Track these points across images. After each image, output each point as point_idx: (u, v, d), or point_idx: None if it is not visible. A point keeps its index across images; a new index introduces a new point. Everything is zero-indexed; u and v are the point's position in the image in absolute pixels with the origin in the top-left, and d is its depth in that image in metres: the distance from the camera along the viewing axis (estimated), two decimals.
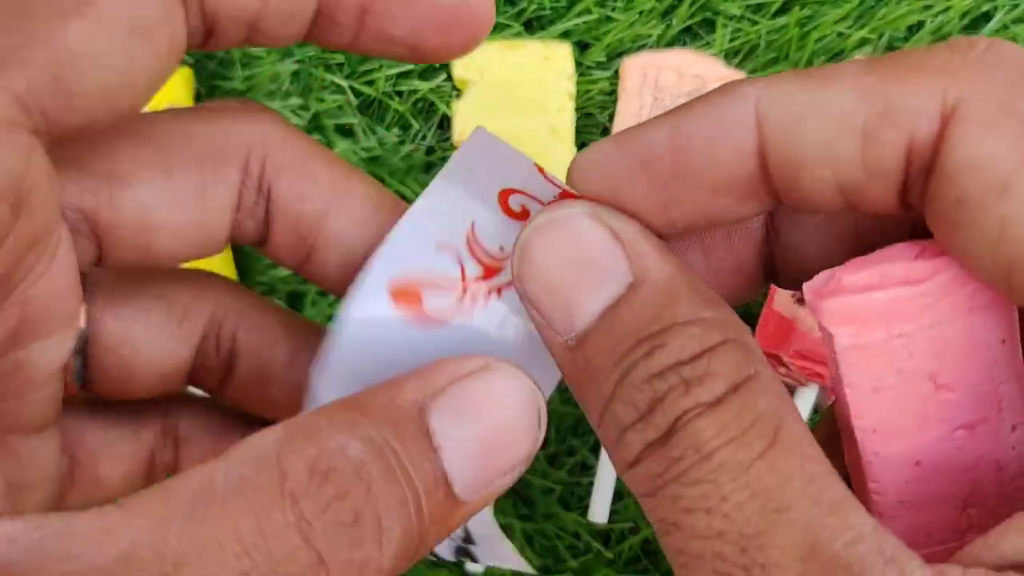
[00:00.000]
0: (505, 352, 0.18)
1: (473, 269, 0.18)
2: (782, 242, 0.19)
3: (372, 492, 0.15)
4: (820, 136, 0.16)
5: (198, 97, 0.42)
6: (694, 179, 0.17)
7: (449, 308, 0.18)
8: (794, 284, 0.19)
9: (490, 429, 0.16)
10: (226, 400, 0.21)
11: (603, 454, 0.41)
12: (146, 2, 0.17)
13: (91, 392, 0.20)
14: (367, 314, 0.18)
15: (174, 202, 0.19)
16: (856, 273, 0.17)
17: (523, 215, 0.19)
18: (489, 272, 0.18)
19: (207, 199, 0.19)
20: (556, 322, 0.17)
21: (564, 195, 0.19)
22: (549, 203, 0.18)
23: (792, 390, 0.42)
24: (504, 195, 0.19)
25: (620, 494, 0.42)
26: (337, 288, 0.20)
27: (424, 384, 0.16)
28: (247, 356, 0.21)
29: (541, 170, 0.19)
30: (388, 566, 0.15)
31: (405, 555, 0.15)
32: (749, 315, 0.44)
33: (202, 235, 0.19)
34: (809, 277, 0.18)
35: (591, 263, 0.17)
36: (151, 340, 0.20)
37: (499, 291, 0.18)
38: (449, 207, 0.18)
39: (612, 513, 0.42)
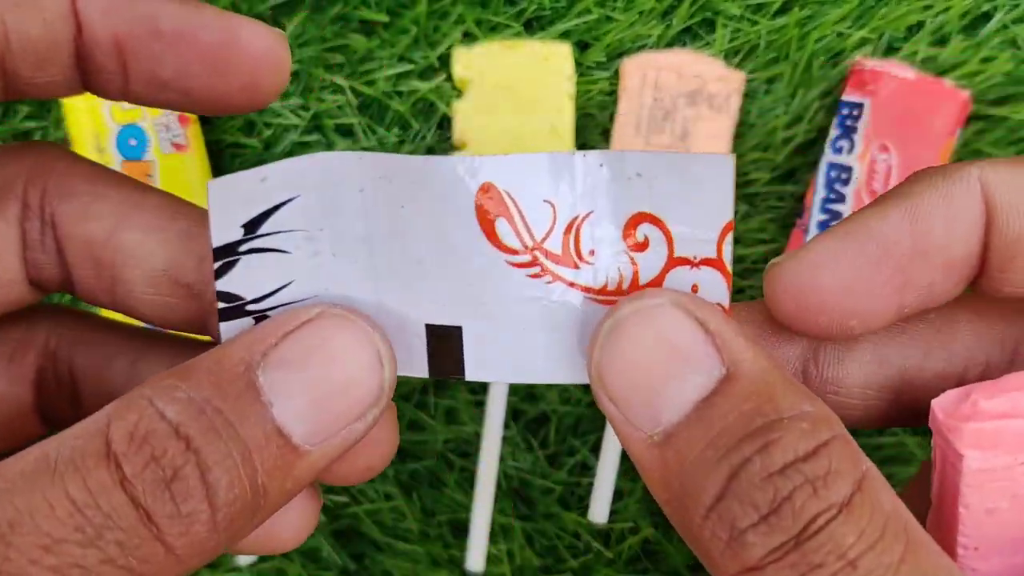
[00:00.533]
0: (524, 324, 0.18)
1: (554, 245, 0.17)
2: (822, 375, 0.19)
3: (192, 449, 0.15)
4: None
5: None
6: (932, 260, 0.17)
7: (513, 248, 0.18)
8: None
9: (321, 376, 0.16)
10: (103, 303, 0.21)
11: (603, 454, 0.41)
12: None
13: None
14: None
15: None
16: (992, 399, 0.17)
17: (639, 246, 0.17)
18: (562, 260, 0.18)
19: None
20: (638, 416, 0.16)
21: (713, 263, 0.18)
22: (646, 285, 0.18)
23: None
24: (641, 217, 0.17)
25: (620, 494, 0.42)
26: (151, 315, 0.19)
27: (254, 340, 0.17)
28: (88, 379, 0.21)
29: (724, 234, 0.17)
30: (222, 519, 0.16)
31: (242, 508, 0.16)
32: None
33: None
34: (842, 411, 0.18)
35: (679, 355, 0.16)
36: None
37: (555, 280, 0.18)
38: (584, 182, 0.17)
39: (612, 513, 0.42)
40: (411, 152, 0.43)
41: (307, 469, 0.17)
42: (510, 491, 0.42)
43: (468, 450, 0.43)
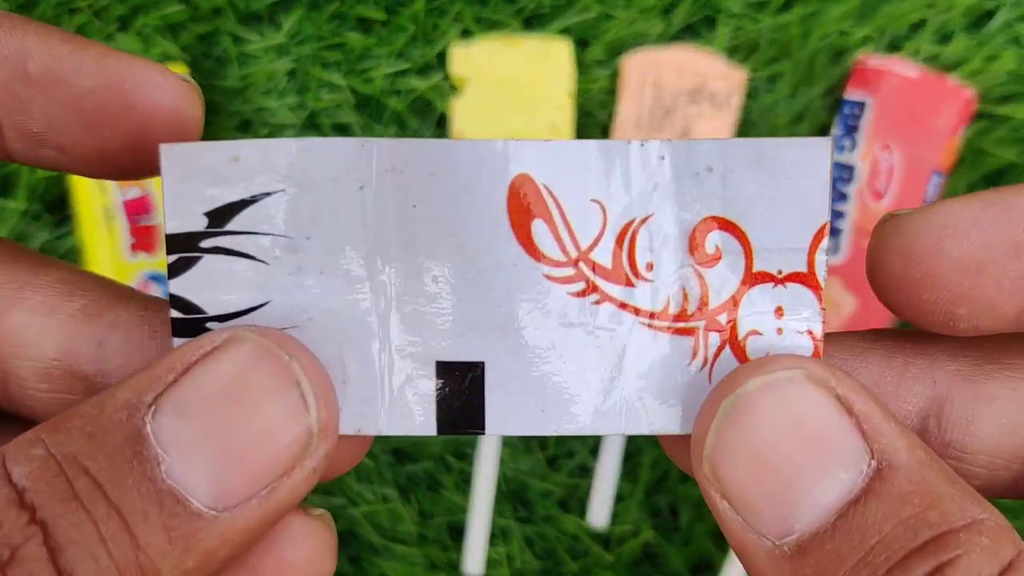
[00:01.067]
0: (563, 357, 0.15)
1: (603, 256, 0.14)
2: (945, 438, 0.16)
3: (37, 522, 0.12)
4: None
5: None
6: None
7: (552, 259, 0.14)
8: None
9: (225, 418, 0.13)
10: None
11: (602, 456, 0.41)
12: None
13: None
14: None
15: None
16: None
17: (709, 259, 0.14)
18: (613, 275, 0.15)
19: None
20: (764, 521, 0.13)
21: (810, 284, 0.15)
22: (760, 361, 0.14)
23: None
24: (713, 222, 0.14)
25: (620, 497, 0.42)
26: (45, 415, 0.16)
27: (145, 379, 0.13)
28: None
29: (818, 241, 0.14)
30: None
31: None
32: None
33: None
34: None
35: (819, 445, 0.13)
36: None
37: (603, 300, 0.15)
38: (636, 179, 0.14)
39: (612, 516, 0.42)
40: None
41: (219, 540, 0.13)
42: (509, 493, 0.42)
43: (466, 452, 0.42)
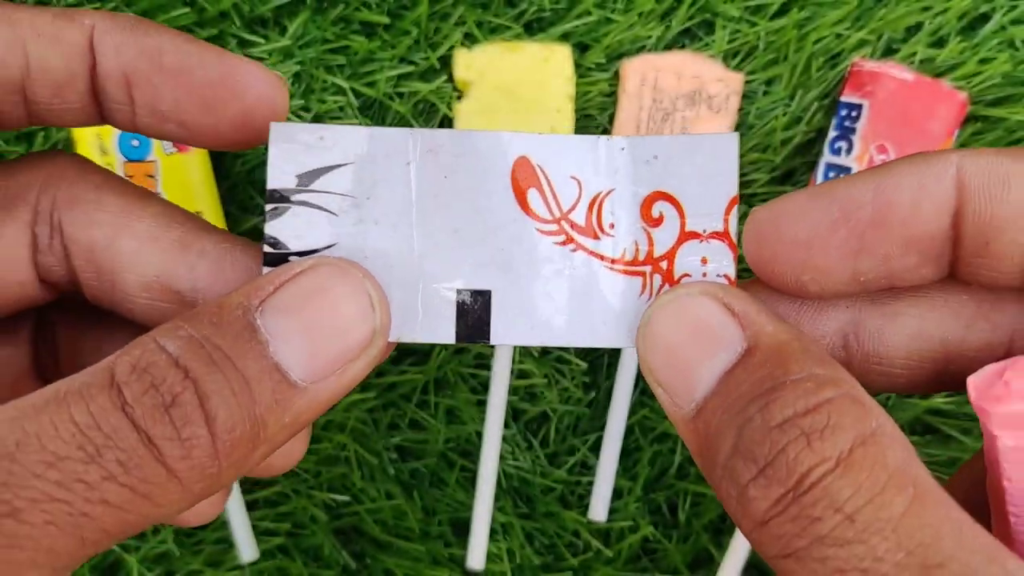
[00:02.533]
0: (548, 288, 0.19)
1: (578, 217, 0.19)
2: (864, 349, 0.20)
3: (191, 378, 0.16)
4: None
5: None
6: (891, 232, 0.18)
7: (542, 217, 0.20)
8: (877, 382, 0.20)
9: (314, 318, 0.18)
10: (105, 305, 0.22)
11: (603, 452, 0.42)
12: None
13: None
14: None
15: None
16: (1021, 379, 0.18)
17: (655, 222, 0.19)
18: (586, 231, 0.20)
19: None
20: (678, 394, 0.18)
21: (720, 236, 0.19)
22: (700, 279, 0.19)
23: None
24: (658, 196, 0.20)
25: (620, 493, 0.42)
26: (145, 318, 0.21)
27: (253, 288, 0.18)
28: (75, 239, 0.21)
29: (730, 208, 0.19)
30: (222, 446, 0.16)
31: (242, 437, 0.17)
32: None
33: (1, 275, 0.20)
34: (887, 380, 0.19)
35: (707, 335, 0.18)
36: None
37: (578, 249, 0.20)
38: (603, 163, 0.19)
39: (611, 512, 0.42)
40: None
41: (306, 406, 0.17)
42: (510, 490, 0.43)
43: (469, 449, 0.43)
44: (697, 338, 0.18)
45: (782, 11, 0.45)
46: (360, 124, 0.43)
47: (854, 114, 0.42)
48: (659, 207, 0.19)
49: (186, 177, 0.40)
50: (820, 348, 0.18)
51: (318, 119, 0.43)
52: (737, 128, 0.44)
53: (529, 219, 0.19)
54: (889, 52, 0.45)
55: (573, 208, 0.19)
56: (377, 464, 0.43)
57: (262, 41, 0.43)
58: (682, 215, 0.19)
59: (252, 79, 0.19)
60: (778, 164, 0.44)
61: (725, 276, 0.19)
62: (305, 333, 0.17)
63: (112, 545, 0.17)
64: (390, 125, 0.43)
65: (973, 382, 0.18)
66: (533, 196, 0.19)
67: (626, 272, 0.19)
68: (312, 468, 0.42)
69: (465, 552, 0.42)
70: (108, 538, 0.16)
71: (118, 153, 0.40)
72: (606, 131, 0.44)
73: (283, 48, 0.43)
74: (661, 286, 0.19)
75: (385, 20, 0.43)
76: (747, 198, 0.44)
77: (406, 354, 0.43)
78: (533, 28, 0.44)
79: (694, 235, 0.19)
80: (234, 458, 0.17)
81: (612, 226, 0.19)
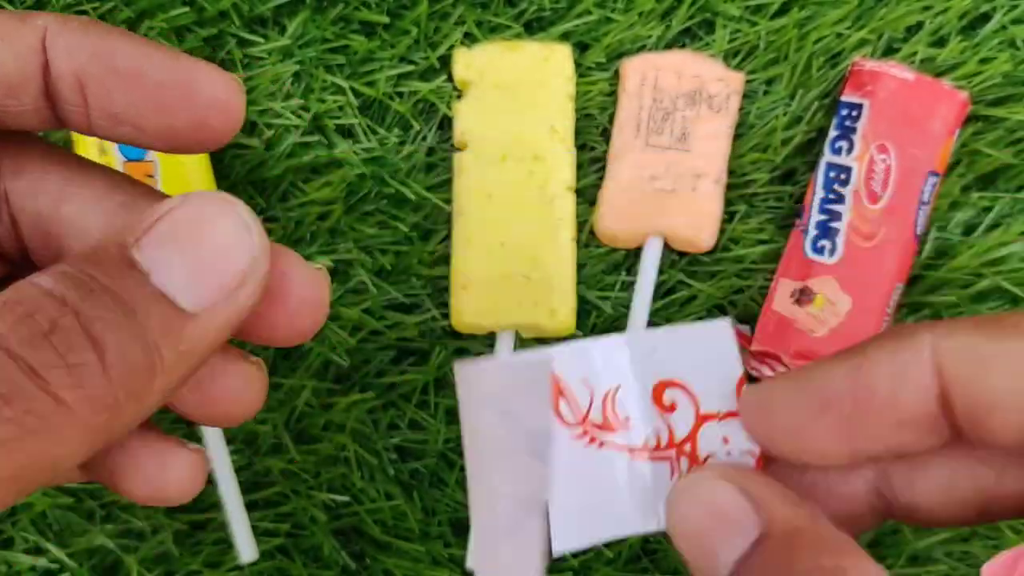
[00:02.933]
0: (584, 486, 0.21)
1: (596, 416, 0.21)
2: (899, 501, 0.21)
3: (69, 306, 0.16)
4: (1009, 383, 0.17)
5: None
6: (876, 418, 0.18)
7: (571, 423, 0.21)
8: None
9: (192, 246, 0.17)
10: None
11: None
12: None
13: None
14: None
15: None
16: None
17: (668, 408, 0.21)
18: (605, 426, 0.21)
19: None
20: (700, 571, 0.18)
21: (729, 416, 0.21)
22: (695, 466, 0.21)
23: None
24: (666, 384, 0.21)
25: None
26: None
27: (127, 227, 0.18)
28: (21, 209, 0.21)
29: (740, 387, 0.20)
30: (116, 374, 0.16)
31: (136, 365, 0.16)
32: (751, 316, 0.44)
33: None
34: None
35: (725, 519, 0.18)
36: None
37: (603, 445, 0.21)
38: (610, 362, 0.21)
39: None
40: (411, 152, 0.43)
41: (201, 333, 0.17)
42: None
43: None
44: (716, 522, 0.18)
45: (782, 10, 0.45)
46: (359, 123, 0.43)
47: (855, 113, 0.42)
48: (670, 394, 0.21)
49: (185, 177, 0.40)
50: (833, 534, 0.18)
51: (318, 118, 0.43)
52: (737, 127, 0.44)
53: (564, 428, 0.21)
54: (890, 51, 0.45)
55: (590, 409, 0.21)
56: (377, 464, 0.43)
57: (261, 40, 0.43)
58: (694, 399, 0.20)
59: (207, 82, 0.19)
60: (778, 164, 0.44)
61: (749, 453, 0.20)
62: (185, 260, 0.17)
63: (18, 497, 0.16)
64: (390, 125, 0.43)
65: (987, 570, 0.18)
66: (563, 406, 0.21)
67: (652, 459, 0.21)
68: (311, 468, 0.42)
69: (465, 552, 0.42)
70: (5, 486, 0.15)
71: (117, 152, 0.40)
72: (606, 130, 0.44)
73: (283, 47, 0.43)
74: (689, 468, 0.21)
75: (385, 19, 0.43)
76: (748, 198, 0.44)
77: (406, 354, 0.43)
78: (533, 27, 0.44)
79: (710, 416, 0.20)
80: (131, 388, 0.16)
81: (628, 419, 0.21)
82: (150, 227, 0.17)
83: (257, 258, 0.18)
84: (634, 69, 0.43)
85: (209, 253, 0.18)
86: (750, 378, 0.43)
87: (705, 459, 0.20)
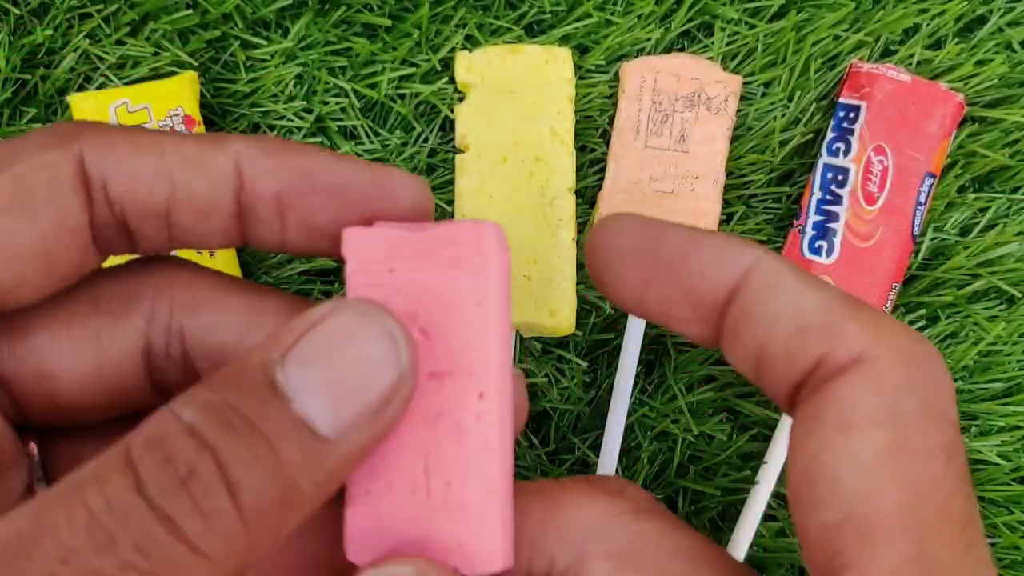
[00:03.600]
0: None
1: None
2: None
3: (209, 447, 0.15)
4: (778, 318, 0.18)
5: (203, 100, 0.42)
6: (682, 281, 0.19)
7: None
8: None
9: (336, 365, 0.17)
10: None
11: (603, 451, 0.42)
12: (33, 184, 0.18)
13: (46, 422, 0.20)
14: None
15: (71, 350, 0.19)
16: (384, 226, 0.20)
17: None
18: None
19: (105, 344, 0.20)
20: None
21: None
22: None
23: None
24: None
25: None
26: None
27: (271, 342, 0.17)
28: (200, 344, 0.20)
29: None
30: (250, 515, 0.15)
31: (271, 502, 0.16)
32: None
33: (108, 381, 0.20)
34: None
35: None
36: (71, 366, 0.20)
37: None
38: None
39: None
40: (413, 154, 0.43)
41: (339, 461, 0.17)
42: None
43: None
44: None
45: (780, 13, 0.45)
46: (362, 125, 0.43)
47: (852, 115, 0.42)
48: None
49: None
50: None
51: (320, 120, 0.43)
52: (736, 129, 0.44)
53: None
54: (887, 54, 0.45)
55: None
56: None
57: (264, 43, 0.43)
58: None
59: (404, 188, 0.20)
60: (776, 165, 0.44)
61: None
62: (328, 383, 0.17)
63: None
64: (392, 127, 0.43)
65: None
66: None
67: None
68: None
69: None
70: None
71: None
72: (606, 132, 0.44)
73: (285, 50, 0.43)
74: None
75: (387, 22, 0.43)
76: (746, 199, 0.44)
77: None
78: (534, 30, 0.44)
79: None
80: (265, 524, 0.16)
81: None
82: (296, 341, 0.17)
83: (404, 375, 0.17)
84: (634, 72, 0.43)
85: (354, 375, 0.17)
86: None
87: None
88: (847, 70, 0.44)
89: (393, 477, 0.20)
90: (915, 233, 0.42)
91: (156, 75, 0.42)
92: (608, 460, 0.42)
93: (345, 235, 0.19)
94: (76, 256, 0.19)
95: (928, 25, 0.45)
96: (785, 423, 0.41)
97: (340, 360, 0.17)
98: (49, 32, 0.42)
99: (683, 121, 0.43)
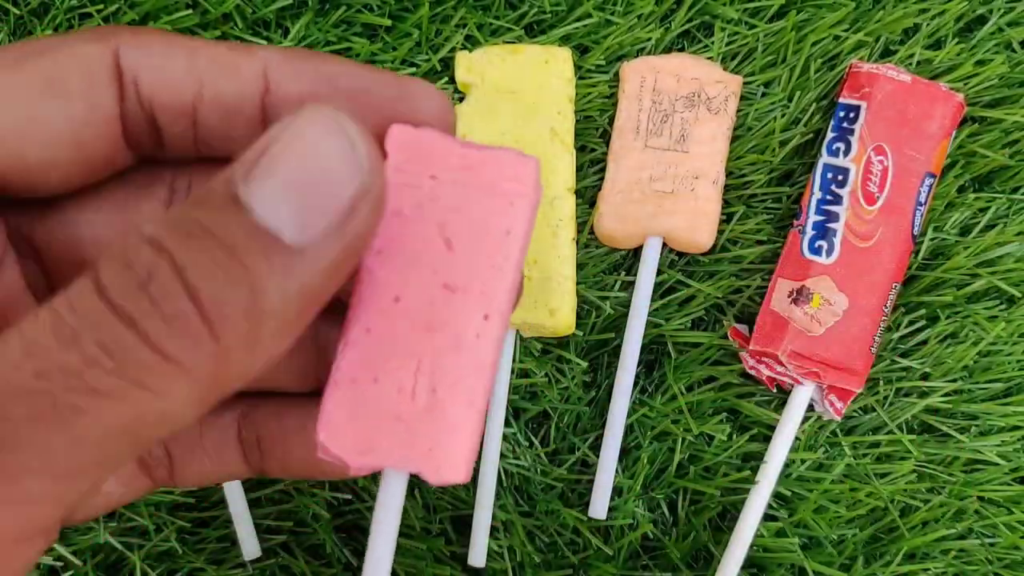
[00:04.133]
0: None
1: None
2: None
3: (166, 253, 0.15)
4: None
5: None
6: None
7: None
8: None
9: (295, 172, 0.16)
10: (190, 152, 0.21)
11: (603, 451, 0.42)
12: (69, 72, 0.19)
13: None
14: None
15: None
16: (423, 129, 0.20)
17: None
18: None
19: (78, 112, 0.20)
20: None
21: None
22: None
23: (788, 389, 0.43)
24: None
25: (619, 490, 0.43)
26: (228, 147, 0.20)
27: (238, 161, 0.17)
28: (156, 91, 0.20)
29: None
30: (215, 319, 0.15)
31: (236, 309, 0.16)
32: (749, 315, 0.44)
33: (80, 118, 0.19)
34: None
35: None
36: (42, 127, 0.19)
37: None
38: None
39: (611, 509, 0.42)
40: None
41: (310, 270, 0.16)
42: (511, 488, 0.43)
43: None
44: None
45: (780, 13, 0.45)
46: None
47: (852, 115, 0.42)
48: None
49: None
50: None
51: None
52: (736, 129, 0.44)
53: None
54: (887, 54, 0.45)
55: None
56: None
57: (264, 43, 0.43)
58: None
59: (426, 97, 0.20)
60: (777, 165, 0.44)
61: None
62: (290, 192, 0.16)
63: (133, 452, 0.16)
64: None
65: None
66: None
67: None
68: None
69: (466, 549, 0.42)
70: (113, 439, 0.15)
71: None
72: (606, 132, 0.44)
73: None
74: None
75: (387, 22, 0.43)
76: (746, 199, 0.44)
77: None
78: (534, 30, 0.45)
79: None
80: (236, 333, 0.16)
81: None
82: (255, 159, 0.16)
83: (367, 181, 0.17)
84: (634, 72, 0.43)
85: (311, 180, 0.16)
86: (748, 377, 0.43)
87: None
88: (847, 70, 0.44)
89: (382, 372, 0.21)
90: (915, 233, 0.42)
91: None
92: (608, 460, 0.42)
93: (392, 130, 0.20)
94: (106, 146, 0.19)
95: (928, 25, 0.45)
96: (785, 423, 0.41)
97: (300, 170, 0.16)
98: (49, 32, 0.42)
99: (683, 121, 0.43)
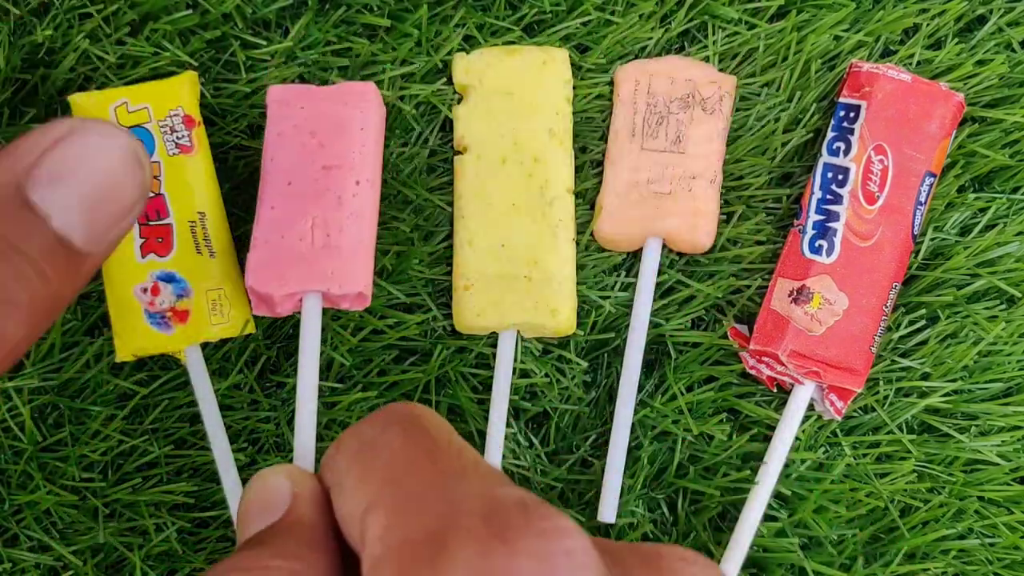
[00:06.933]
0: None
1: None
2: None
3: None
4: None
5: (203, 100, 0.42)
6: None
7: None
8: None
9: (90, 184, 0.18)
10: None
11: (610, 454, 0.42)
12: None
13: None
14: None
15: None
16: None
17: None
18: None
19: None
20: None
21: None
22: None
23: (788, 388, 0.43)
24: None
25: (620, 491, 0.43)
26: None
27: (15, 162, 0.18)
28: None
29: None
30: (24, 331, 0.17)
31: (41, 314, 0.17)
32: (749, 315, 0.44)
33: None
34: None
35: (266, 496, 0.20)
36: None
37: None
38: None
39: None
40: (413, 154, 0.44)
41: (91, 269, 0.18)
42: None
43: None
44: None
45: (780, 14, 0.45)
46: None
47: (852, 115, 0.42)
48: None
49: (189, 178, 0.40)
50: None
51: None
52: (736, 130, 0.44)
53: None
54: (887, 54, 0.45)
55: None
56: None
57: (264, 43, 0.43)
58: None
59: None
60: (776, 166, 0.44)
61: None
62: (84, 199, 0.18)
63: None
64: (391, 127, 0.43)
65: None
66: None
67: None
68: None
69: None
70: None
71: None
72: (605, 133, 0.44)
73: (285, 50, 0.43)
74: None
75: (386, 23, 0.43)
76: (747, 199, 0.44)
77: (407, 353, 0.43)
78: (533, 30, 0.45)
79: None
80: (40, 328, 0.17)
81: None
82: (36, 161, 0.18)
83: (144, 191, 0.19)
84: (627, 76, 0.43)
85: (103, 193, 0.18)
86: (748, 377, 0.43)
87: None
88: (847, 70, 0.44)
89: (287, 231, 0.33)
90: (915, 233, 0.42)
91: (156, 75, 0.42)
92: (615, 462, 0.42)
93: (271, 90, 0.30)
94: None
95: (928, 25, 0.45)
96: (785, 423, 0.41)
97: (89, 178, 0.18)
98: (49, 32, 0.42)
99: (678, 122, 0.43)
